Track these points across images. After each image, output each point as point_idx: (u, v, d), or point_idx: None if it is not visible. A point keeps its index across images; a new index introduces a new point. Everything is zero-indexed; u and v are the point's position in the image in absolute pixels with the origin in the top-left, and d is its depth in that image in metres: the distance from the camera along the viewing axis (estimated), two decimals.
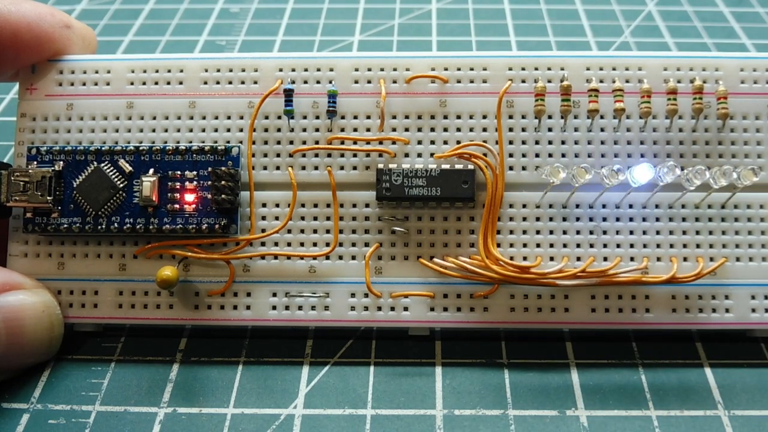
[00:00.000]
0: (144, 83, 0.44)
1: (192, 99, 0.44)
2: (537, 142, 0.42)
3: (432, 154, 0.43)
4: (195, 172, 0.42)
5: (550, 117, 0.42)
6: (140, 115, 0.44)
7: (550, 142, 0.42)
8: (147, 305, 0.42)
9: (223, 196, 0.41)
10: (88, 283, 0.43)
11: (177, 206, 0.42)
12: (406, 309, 0.42)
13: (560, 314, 0.41)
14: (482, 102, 0.43)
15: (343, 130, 0.43)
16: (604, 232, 0.42)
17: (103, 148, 0.42)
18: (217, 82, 0.44)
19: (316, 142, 0.43)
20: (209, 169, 0.42)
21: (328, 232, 0.42)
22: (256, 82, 0.44)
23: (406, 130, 0.43)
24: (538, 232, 0.42)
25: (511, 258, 0.42)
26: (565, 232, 0.42)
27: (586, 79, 0.43)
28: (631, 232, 0.42)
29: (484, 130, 0.43)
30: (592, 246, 0.42)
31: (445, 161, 0.42)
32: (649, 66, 0.43)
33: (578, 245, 0.42)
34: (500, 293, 0.42)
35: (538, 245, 0.42)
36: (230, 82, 0.44)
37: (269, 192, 0.43)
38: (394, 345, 0.43)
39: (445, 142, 0.43)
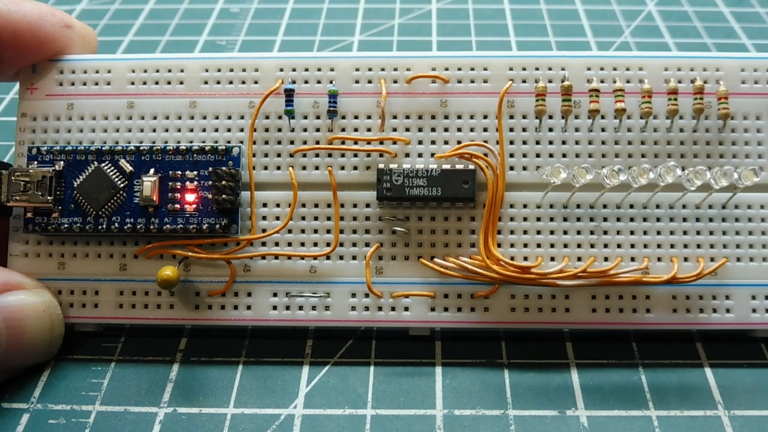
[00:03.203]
0: (144, 83, 0.44)
1: (192, 99, 0.44)
2: (538, 143, 0.43)
3: (433, 154, 0.43)
4: (196, 172, 0.42)
5: (550, 117, 0.42)
6: (141, 114, 0.44)
7: (550, 143, 0.42)
8: (147, 305, 0.42)
9: (223, 196, 0.41)
10: (88, 283, 0.43)
11: (177, 206, 0.42)
12: (406, 309, 0.42)
13: (560, 314, 0.41)
14: (483, 102, 0.43)
15: (343, 130, 0.43)
16: (605, 233, 0.42)
17: (103, 148, 0.42)
18: (218, 82, 0.44)
19: (317, 142, 0.43)
20: (210, 169, 0.42)
21: (328, 232, 0.42)
22: (256, 82, 0.44)
23: (407, 130, 0.43)
24: (538, 233, 0.42)
25: (512, 258, 0.42)
26: (565, 233, 0.42)
27: (586, 79, 0.43)
28: (632, 233, 0.42)
29: (485, 130, 0.43)
30: (592, 246, 0.42)
31: (445, 161, 0.42)
32: (649, 66, 0.43)
33: (579, 245, 0.42)
34: (501, 293, 0.42)
35: (538, 245, 0.42)
36: (231, 82, 0.44)
37: (270, 192, 0.43)
38: (394, 345, 0.43)
39: (446, 142, 0.43)
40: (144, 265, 0.43)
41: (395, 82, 0.43)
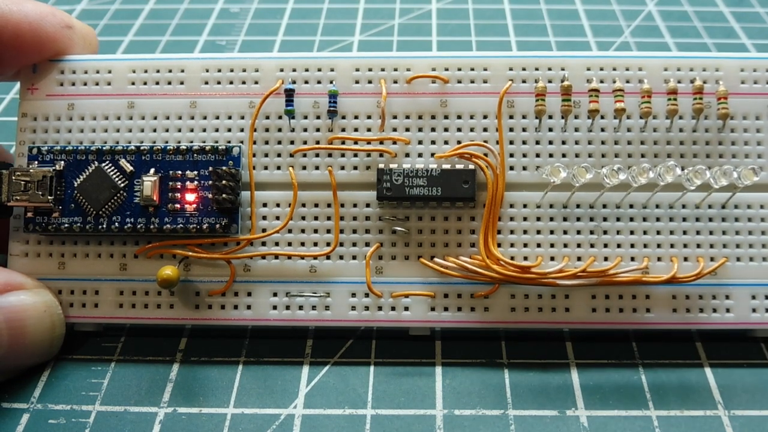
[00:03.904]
0: (145, 83, 0.44)
1: (193, 99, 0.44)
2: (537, 142, 0.43)
3: (433, 154, 0.43)
4: (196, 172, 0.42)
5: (550, 117, 0.42)
6: (141, 114, 0.44)
7: (550, 142, 0.42)
8: (147, 305, 0.43)
9: (223, 195, 0.41)
10: (88, 282, 0.43)
11: (178, 206, 0.42)
12: (406, 309, 0.42)
13: (560, 314, 0.41)
14: (483, 102, 0.43)
15: (343, 130, 0.43)
16: (605, 232, 0.42)
17: (104, 148, 0.42)
18: (218, 82, 0.44)
19: (317, 142, 0.43)
20: (210, 168, 0.42)
21: (328, 231, 0.42)
22: (256, 82, 0.44)
23: (407, 130, 0.43)
24: (538, 232, 0.42)
25: (512, 258, 0.42)
26: (565, 232, 0.42)
27: (586, 79, 0.43)
28: (632, 232, 0.42)
29: (485, 130, 0.43)
30: (592, 246, 0.42)
31: (445, 161, 0.42)
32: (649, 66, 0.43)
33: (579, 245, 0.42)
34: (501, 293, 0.42)
35: (538, 245, 0.42)
36: (231, 82, 0.44)
37: (270, 192, 0.43)
38: (394, 345, 0.43)
39: (446, 142, 0.43)
40: (144, 264, 0.43)
41: (395, 82, 0.43)
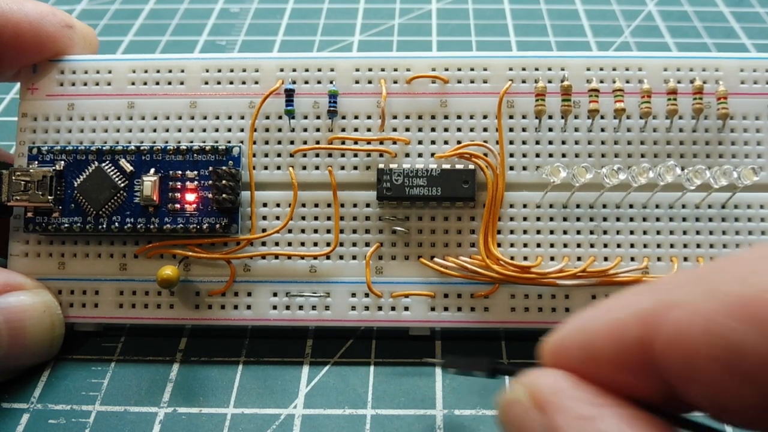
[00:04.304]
0: (145, 83, 0.44)
1: (193, 99, 0.44)
2: (537, 142, 0.43)
3: (432, 154, 0.43)
4: (196, 172, 0.42)
5: (550, 117, 0.42)
6: (141, 115, 0.44)
7: (550, 142, 0.42)
8: (147, 305, 0.43)
9: (224, 195, 0.41)
10: (88, 282, 0.43)
11: (178, 206, 0.42)
12: (406, 309, 0.42)
13: (561, 314, 0.41)
14: (483, 102, 0.43)
15: (343, 130, 0.43)
16: (605, 232, 0.42)
17: (104, 148, 0.42)
18: (218, 83, 0.44)
19: (317, 142, 0.43)
20: (210, 168, 0.42)
21: (328, 231, 0.42)
22: (256, 83, 0.44)
23: (407, 130, 0.43)
24: (538, 232, 0.42)
25: (512, 258, 0.42)
26: (565, 232, 0.42)
27: (586, 79, 0.43)
28: (632, 232, 0.42)
29: (485, 130, 0.43)
30: (592, 246, 0.42)
31: (445, 161, 0.42)
32: (649, 66, 0.43)
33: (579, 245, 0.42)
34: (501, 293, 0.42)
35: (538, 245, 0.42)
36: (231, 83, 0.44)
37: (270, 192, 0.43)
38: (394, 345, 0.43)
39: (446, 142, 0.43)
40: (144, 264, 0.43)
41: (395, 82, 0.43)
